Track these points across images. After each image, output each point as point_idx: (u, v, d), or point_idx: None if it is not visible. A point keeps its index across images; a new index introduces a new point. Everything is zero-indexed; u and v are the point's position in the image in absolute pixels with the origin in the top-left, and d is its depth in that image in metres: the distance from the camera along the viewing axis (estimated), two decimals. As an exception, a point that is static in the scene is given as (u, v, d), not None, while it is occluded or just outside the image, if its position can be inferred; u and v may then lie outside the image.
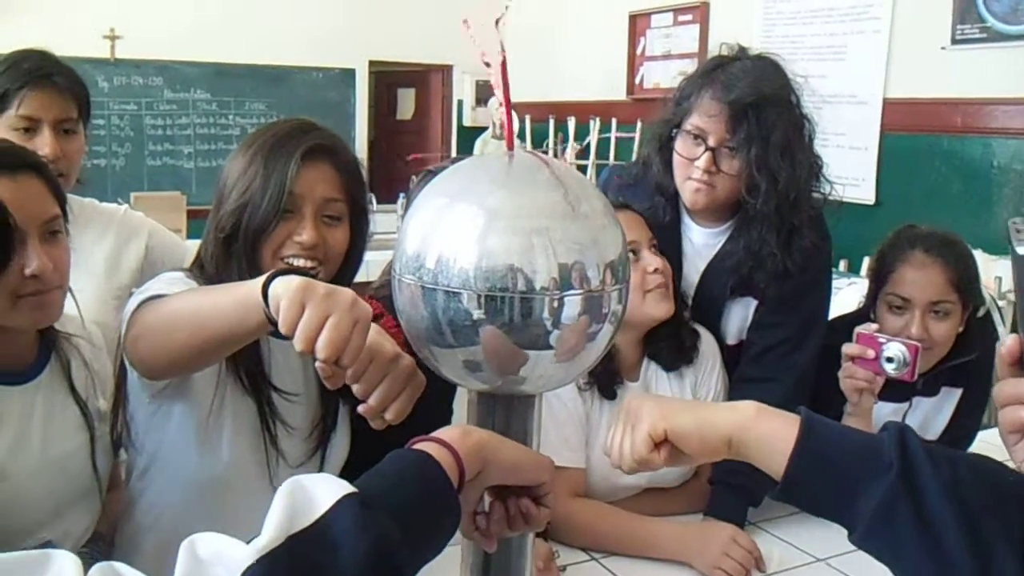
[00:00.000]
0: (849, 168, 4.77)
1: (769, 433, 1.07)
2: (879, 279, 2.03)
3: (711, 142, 1.92)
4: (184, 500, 1.58)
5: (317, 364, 1.05)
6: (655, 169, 2.06)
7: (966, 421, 2.12)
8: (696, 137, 1.94)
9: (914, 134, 4.64)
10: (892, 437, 1.01)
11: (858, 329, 1.90)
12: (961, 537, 0.95)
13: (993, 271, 4.03)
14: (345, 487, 0.81)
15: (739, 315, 2.09)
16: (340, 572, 0.76)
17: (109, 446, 1.62)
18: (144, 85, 6.43)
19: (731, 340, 2.11)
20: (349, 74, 6.95)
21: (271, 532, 0.76)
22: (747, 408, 1.11)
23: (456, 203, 0.97)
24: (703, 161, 1.92)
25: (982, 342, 2.04)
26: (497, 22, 1.02)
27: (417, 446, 0.93)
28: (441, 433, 0.95)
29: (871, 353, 1.86)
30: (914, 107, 4.61)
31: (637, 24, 5.95)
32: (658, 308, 1.89)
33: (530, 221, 0.94)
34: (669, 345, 1.98)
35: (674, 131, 1.99)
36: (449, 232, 0.95)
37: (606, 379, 1.92)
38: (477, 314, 0.93)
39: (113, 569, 0.77)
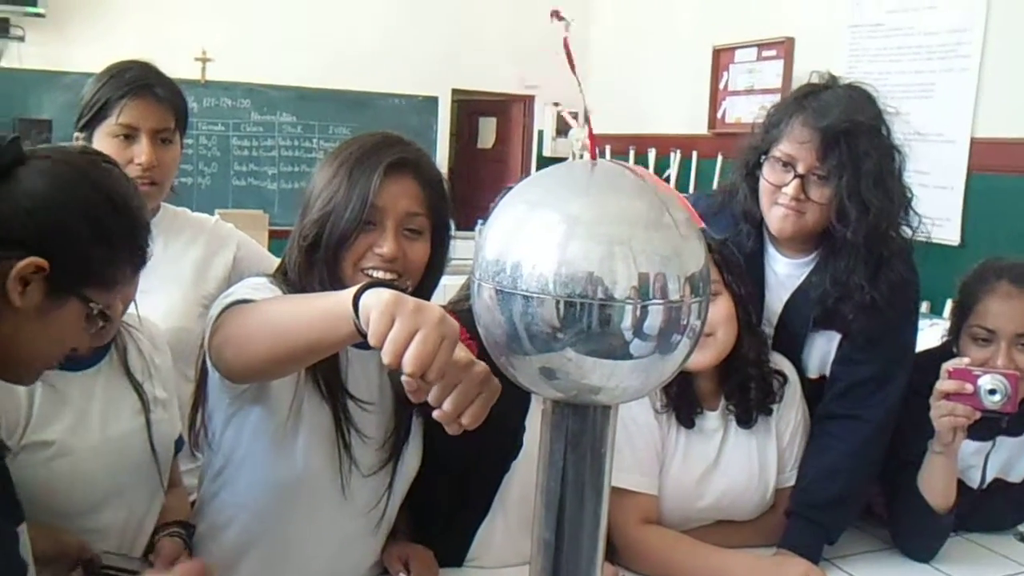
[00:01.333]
0: (934, 208, 4.63)
1: None
2: (963, 312, 1.99)
3: (800, 169, 1.89)
4: (257, 502, 1.60)
5: (403, 378, 1.05)
6: (741, 196, 2.04)
7: (1051, 463, 2.06)
8: (785, 164, 1.92)
9: (1002, 175, 4.55)
10: None
11: (948, 365, 1.85)
12: None
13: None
14: None
15: (821, 348, 2.04)
16: None
17: (169, 434, 1.66)
18: (232, 107, 6.57)
19: (812, 374, 2.06)
20: (432, 102, 7.02)
21: None
22: None
23: (537, 209, 0.97)
24: (792, 188, 1.90)
25: (1070, 381, 1.97)
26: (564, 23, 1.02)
27: None
28: None
29: (969, 388, 1.81)
30: (1003, 147, 4.52)
31: (721, 58, 5.93)
32: (693, 360, 1.83)
33: (611, 229, 0.94)
34: (743, 394, 1.93)
35: (762, 157, 1.97)
36: (529, 238, 0.95)
37: (684, 406, 1.89)
38: (555, 320, 0.92)
39: None
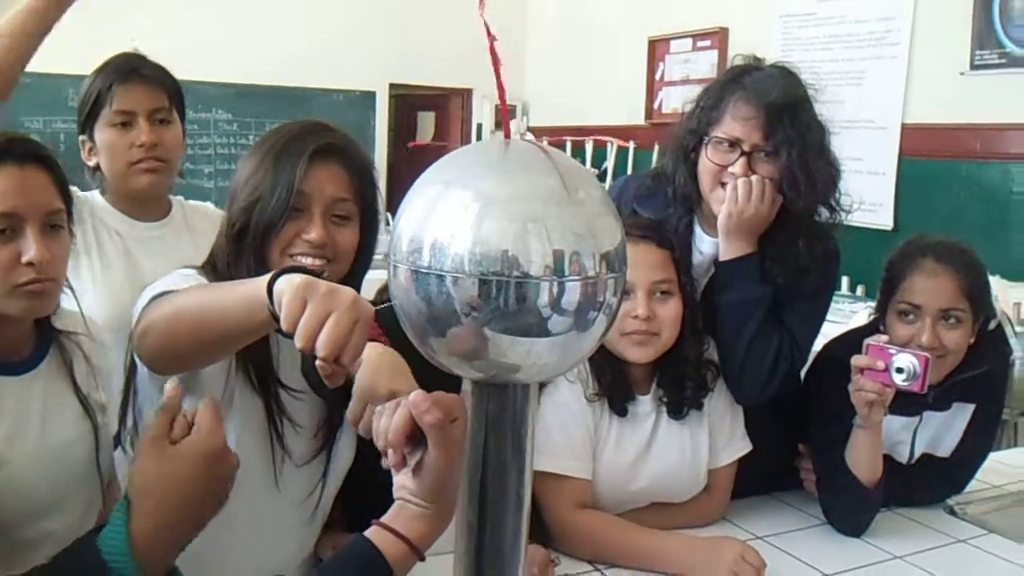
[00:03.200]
0: (867, 193, 4.73)
1: None
2: (889, 289, 2.02)
3: (746, 147, 1.91)
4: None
5: (317, 362, 1.05)
6: (679, 179, 2.04)
7: (978, 438, 2.09)
8: (731, 144, 1.93)
9: (933, 159, 4.63)
10: None
11: (868, 340, 1.88)
12: None
13: (1011, 297, 4.01)
14: None
15: None
16: None
17: (111, 440, 1.63)
18: (166, 105, 6.49)
19: None
20: (370, 96, 7.00)
21: None
22: None
23: (451, 189, 0.97)
24: (738, 166, 1.92)
25: (994, 356, 2.02)
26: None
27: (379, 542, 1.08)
28: (401, 523, 1.11)
29: (881, 364, 1.84)
30: (933, 132, 4.60)
31: (656, 49, 5.97)
32: (631, 352, 1.86)
33: (525, 207, 0.94)
34: (677, 389, 1.94)
35: (703, 139, 1.98)
36: (444, 218, 0.94)
37: (617, 393, 1.90)
38: (471, 299, 0.92)
39: None
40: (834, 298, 4.02)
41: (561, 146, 6.17)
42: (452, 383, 1.07)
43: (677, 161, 2.06)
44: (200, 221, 2.29)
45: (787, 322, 2.00)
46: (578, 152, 6.13)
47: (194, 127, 6.57)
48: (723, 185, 1.96)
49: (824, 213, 2.00)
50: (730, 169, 1.93)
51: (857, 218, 4.74)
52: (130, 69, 2.14)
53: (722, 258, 1.99)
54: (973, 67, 4.44)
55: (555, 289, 0.92)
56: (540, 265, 0.92)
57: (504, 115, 1.01)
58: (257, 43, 6.45)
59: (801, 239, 1.96)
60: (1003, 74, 4.36)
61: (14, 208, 1.41)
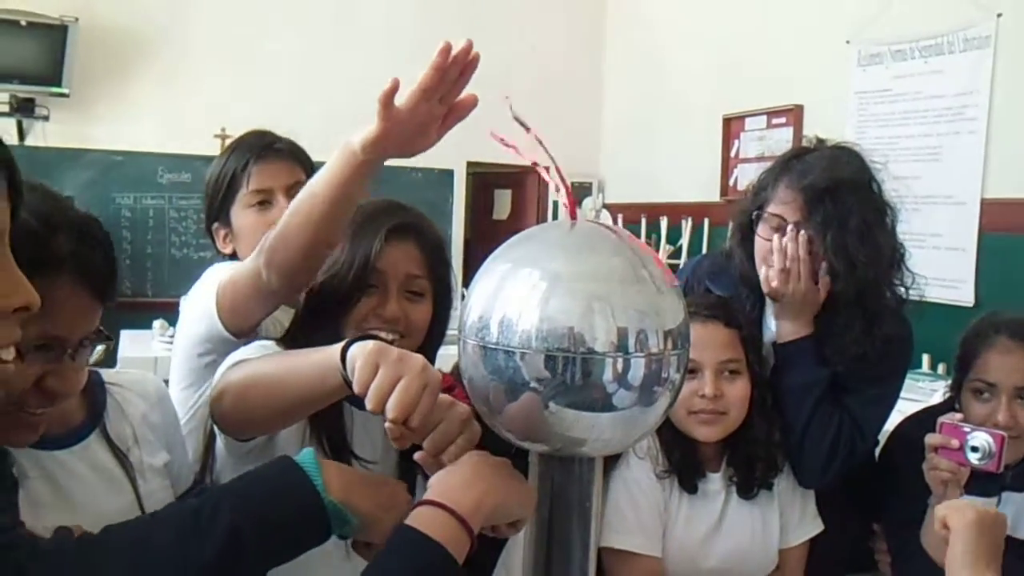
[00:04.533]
0: (946, 270, 4.69)
1: None
2: (963, 367, 1.99)
3: (790, 226, 1.92)
4: None
5: (386, 424, 1.09)
6: (738, 260, 2.07)
7: (1060, 519, 2.04)
8: (776, 227, 1.95)
9: (1014, 235, 4.56)
10: None
11: (941, 419, 1.86)
12: None
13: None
14: None
15: None
16: None
17: (169, 501, 1.53)
18: (251, 184, 6.67)
19: None
20: (447, 174, 7.11)
21: None
22: None
23: (519, 268, 1.00)
24: (779, 239, 1.92)
25: (1076, 435, 1.97)
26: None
27: (429, 520, 1.04)
28: (457, 501, 1.05)
29: (955, 443, 1.82)
30: (1013, 207, 4.53)
31: (731, 127, 5.99)
32: (699, 431, 1.86)
33: (590, 285, 0.97)
34: (748, 469, 1.93)
35: (754, 218, 2.01)
36: (512, 295, 0.98)
37: (687, 471, 1.90)
38: (538, 374, 0.95)
39: None
40: (914, 376, 3.98)
41: (636, 223, 6.20)
42: (519, 455, 1.10)
43: (736, 242, 2.09)
44: None
45: (850, 406, 1.98)
46: (653, 229, 6.15)
47: (280, 204, 6.74)
48: (768, 266, 1.96)
49: (887, 295, 1.98)
50: (773, 244, 1.94)
51: (937, 294, 4.69)
52: (264, 146, 2.08)
53: (778, 340, 2.00)
54: (1053, 141, 4.39)
55: (620, 365, 0.95)
56: (605, 342, 0.95)
57: (569, 197, 1.05)
58: (338, 122, 6.59)
59: (858, 323, 1.94)
60: (1084, 148, 4.31)
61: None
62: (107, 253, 1.26)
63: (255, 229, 2.01)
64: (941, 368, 4.40)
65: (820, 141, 2.04)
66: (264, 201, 2.05)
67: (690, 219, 5.91)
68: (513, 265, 1.01)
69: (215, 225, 2.10)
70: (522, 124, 1.07)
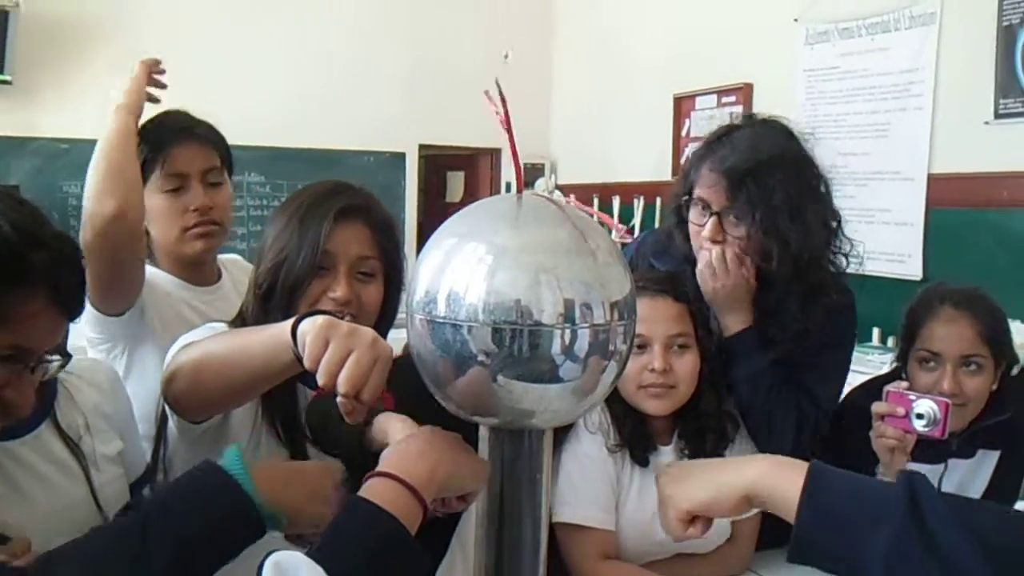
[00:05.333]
0: (895, 244, 4.76)
1: (780, 486, 1.11)
2: (909, 337, 2.02)
3: (715, 208, 1.94)
4: None
5: (338, 399, 1.09)
6: (677, 241, 2.08)
7: (1005, 485, 2.08)
8: (703, 206, 1.96)
9: (960, 209, 4.62)
10: (901, 481, 1.02)
11: (887, 387, 1.89)
12: (981, 562, 0.94)
13: (1043, 345, 3.98)
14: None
15: None
16: None
17: (122, 491, 1.56)
18: (200, 168, 6.62)
19: None
20: (399, 158, 7.08)
21: None
22: (759, 464, 1.16)
23: (466, 241, 1.00)
24: (708, 229, 1.94)
25: (1018, 402, 2.01)
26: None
27: (381, 491, 1.03)
28: (409, 472, 1.04)
29: (901, 411, 1.85)
30: (959, 182, 4.60)
31: (682, 106, 6.02)
32: (648, 405, 1.87)
33: (537, 258, 0.97)
34: (698, 441, 1.94)
35: (683, 202, 2.02)
36: (458, 269, 0.98)
37: (638, 444, 1.91)
38: (485, 347, 0.95)
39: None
40: (864, 350, 4.03)
41: (588, 203, 6.22)
42: (469, 430, 1.11)
43: (673, 224, 2.10)
44: (241, 274, 2.25)
45: (806, 383, 2.01)
46: (605, 208, 6.18)
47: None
48: (703, 249, 1.98)
49: (825, 266, 1.99)
50: (702, 232, 1.96)
51: (886, 269, 4.76)
52: (181, 128, 2.05)
53: (724, 335, 2.01)
54: (997, 116, 4.45)
55: (566, 336, 0.96)
56: (552, 314, 0.95)
57: (517, 170, 1.05)
58: (289, 107, 6.56)
59: (797, 299, 1.95)
60: (1028, 122, 4.38)
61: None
62: (80, 271, 1.26)
63: (168, 213, 2.02)
64: (891, 341, 4.46)
65: (748, 118, 2.06)
66: (179, 188, 2.02)
67: (642, 198, 5.94)
68: (459, 239, 1.01)
69: None
70: (500, 95, 1.06)
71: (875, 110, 4.98)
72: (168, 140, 2.02)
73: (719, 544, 1.98)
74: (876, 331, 4.41)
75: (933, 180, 4.71)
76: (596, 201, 6.19)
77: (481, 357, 0.96)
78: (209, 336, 1.44)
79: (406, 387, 1.13)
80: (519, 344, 0.95)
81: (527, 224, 1.01)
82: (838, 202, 2.03)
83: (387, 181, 6.86)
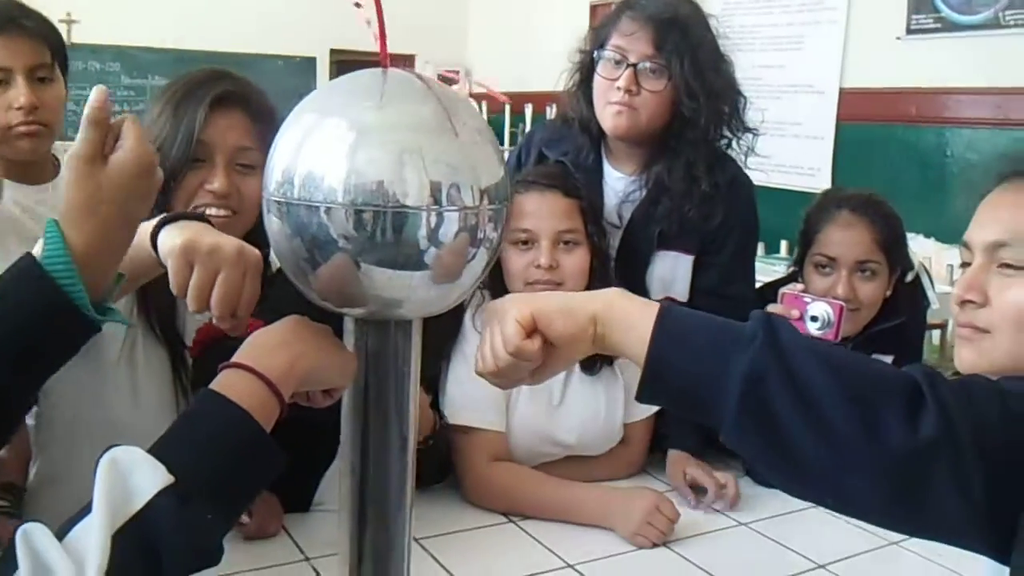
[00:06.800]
0: (805, 157, 4.78)
1: (632, 311, 1.04)
2: (806, 241, 2.01)
3: (632, 59, 1.92)
4: (89, 450, 1.54)
5: (214, 320, 1.04)
6: (578, 104, 2.06)
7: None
8: (617, 61, 1.93)
9: (870, 124, 4.66)
10: (758, 315, 0.99)
11: (783, 289, 1.89)
12: (843, 404, 0.92)
13: (945, 259, 4.05)
14: (161, 475, 0.82)
15: (665, 268, 2.06)
16: (161, 567, 0.79)
17: None
18: (101, 71, 6.38)
19: (656, 296, 2.05)
20: (310, 62, 6.92)
21: (97, 532, 0.77)
22: (611, 291, 1.09)
23: (326, 118, 0.94)
24: (624, 80, 1.92)
25: (911, 307, 2.02)
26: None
27: (233, 384, 0.93)
28: (265, 364, 0.96)
29: (796, 313, 1.84)
30: (870, 97, 4.62)
31: (597, 14, 5.94)
32: None
33: (401, 136, 0.91)
34: None
35: (596, 55, 1.99)
36: (317, 148, 0.92)
37: None
38: (346, 230, 0.90)
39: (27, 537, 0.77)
40: (770, 260, 4.05)
41: (500, 110, 6.14)
42: (334, 323, 1.05)
43: (575, 86, 2.07)
44: None
45: (733, 294, 2.01)
46: (518, 117, 6.10)
47: (130, 93, 6.47)
48: (610, 103, 1.95)
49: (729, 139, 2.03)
50: (616, 84, 1.93)
51: (795, 182, 4.79)
52: (7, 19, 1.89)
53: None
54: (909, 31, 4.46)
55: (432, 220, 0.90)
56: (417, 196, 0.89)
57: (382, 41, 0.98)
58: (196, 8, 6.35)
59: (701, 163, 1.95)
60: (938, 38, 4.39)
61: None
62: None
63: None
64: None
65: None
66: (2, 80, 1.91)
67: (555, 106, 5.87)
68: (319, 116, 0.94)
69: None
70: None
71: (790, 22, 4.97)
72: None
73: (612, 447, 1.97)
74: (784, 243, 4.44)
75: (844, 94, 4.73)
76: (507, 109, 6.12)
77: (341, 242, 0.90)
78: None
79: (282, 299, 1.07)
80: (382, 227, 0.89)
81: (392, 101, 0.95)
82: (752, 115, 2.05)
83: (297, 85, 6.68)
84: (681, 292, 2.06)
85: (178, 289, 1.04)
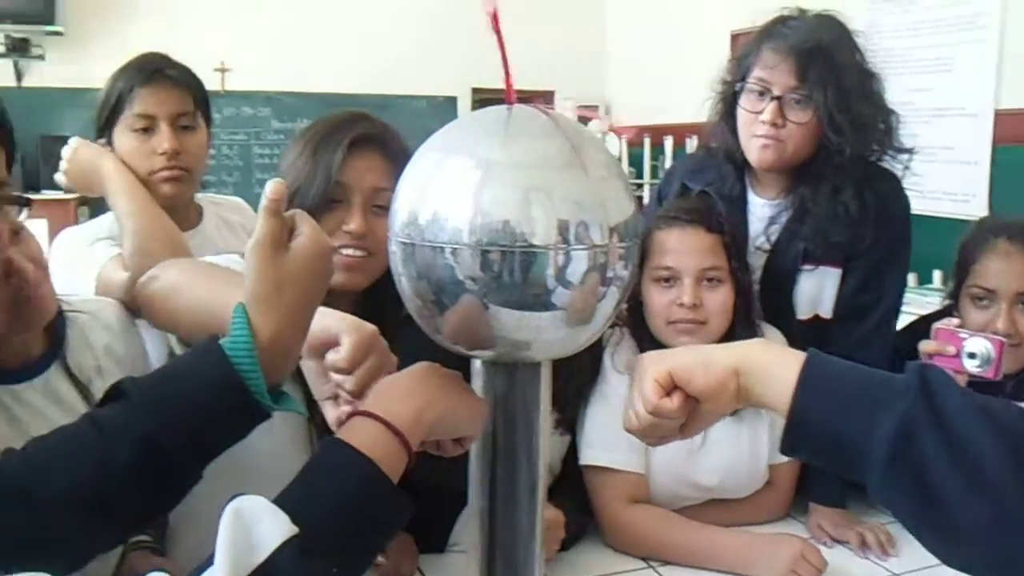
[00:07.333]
0: (959, 183, 4.59)
1: (774, 361, 1.00)
2: (962, 272, 1.90)
3: (776, 91, 1.86)
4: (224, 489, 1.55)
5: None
6: (722, 135, 2.02)
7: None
8: (761, 93, 1.88)
9: (1028, 146, 4.44)
10: (912, 369, 0.93)
11: (937, 324, 1.78)
12: (1006, 461, 0.85)
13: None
14: (284, 527, 0.80)
15: (812, 286, 1.98)
16: None
17: None
18: (252, 115, 6.59)
19: (803, 315, 1.99)
20: (451, 101, 7.00)
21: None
22: (752, 342, 1.07)
23: (450, 156, 0.92)
24: (768, 113, 1.86)
25: (1078, 342, 1.89)
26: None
27: (360, 433, 0.92)
28: (393, 412, 0.94)
29: (951, 350, 1.74)
30: (1027, 118, 4.41)
31: (739, 42, 5.85)
32: (678, 342, 1.76)
33: (527, 174, 0.89)
34: None
35: (737, 88, 1.94)
36: (442, 186, 0.90)
37: None
38: (472, 272, 0.88)
39: None
40: (923, 291, 3.89)
41: (640, 145, 6.09)
42: (463, 369, 1.03)
43: (718, 117, 2.03)
44: (234, 215, 2.23)
45: (868, 304, 1.95)
46: (657, 149, 6.05)
47: (280, 137, 6.66)
48: (756, 136, 1.90)
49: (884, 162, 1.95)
50: (761, 117, 1.88)
51: (948, 209, 4.60)
52: (153, 70, 1.97)
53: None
54: (1069, 48, 4.25)
55: (560, 259, 0.88)
56: (544, 235, 0.87)
57: (507, 75, 0.97)
58: (341, 53, 6.51)
59: (848, 188, 1.89)
60: (1102, 54, 4.17)
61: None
62: None
63: (136, 153, 1.96)
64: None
65: (800, 10, 1.98)
66: (148, 128, 1.96)
67: (695, 137, 5.80)
68: (444, 154, 0.93)
69: (101, 141, 2.01)
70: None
71: (939, 44, 4.79)
72: (138, 81, 1.97)
73: (756, 489, 1.90)
74: (938, 274, 4.25)
75: (1000, 116, 4.52)
76: (648, 142, 6.07)
77: (468, 284, 0.88)
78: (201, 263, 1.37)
79: (411, 344, 1.06)
80: (509, 268, 0.87)
81: (517, 138, 0.93)
82: (901, 140, 1.98)
83: (439, 126, 6.76)
84: (828, 309, 1.99)
85: (351, 364, 1.04)
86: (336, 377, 1.04)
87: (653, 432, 1.08)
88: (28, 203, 1.22)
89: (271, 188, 0.95)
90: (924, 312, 2.12)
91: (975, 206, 4.53)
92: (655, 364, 1.06)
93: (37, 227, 1.77)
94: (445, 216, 0.88)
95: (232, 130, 6.51)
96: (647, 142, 6.07)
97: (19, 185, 1.32)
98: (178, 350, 1.52)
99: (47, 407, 1.37)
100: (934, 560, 1.69)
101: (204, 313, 1.28)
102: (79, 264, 1.86)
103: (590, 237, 0.89)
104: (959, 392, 0.91)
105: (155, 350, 1.66)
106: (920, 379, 0.91)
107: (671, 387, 1.04)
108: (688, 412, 1.05)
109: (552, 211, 0.87)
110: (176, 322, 1.37)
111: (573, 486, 1.80)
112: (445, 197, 0.89)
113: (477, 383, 1.00)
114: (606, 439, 1.78)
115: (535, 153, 0.91)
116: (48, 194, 5.69)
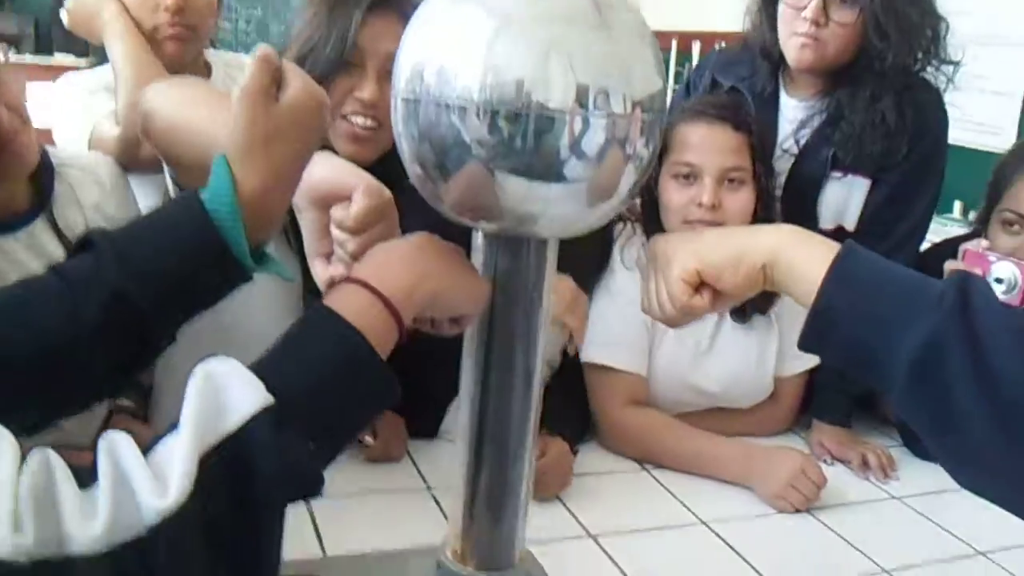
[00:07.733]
0: (988, 115, 4.46)
1: (807, 257, 0.94)
2: (994, 196, 1.82)
3: None
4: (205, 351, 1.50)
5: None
6: (761, 28, 1.93)
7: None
8: None
9: (1066, 80, 4.30)
10: (953, 278, 0.86)
11: (964, 245, 1.71)
12: None
13: None
14: (259, 395, 0.72)
15: (838, 193, 1.91)
16: (252, 495, 0.70)
17: None
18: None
19: (827, 224, 1.93)
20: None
21: (184, 451, 0.68)
22: (785, 230, 0.99)
23: (459, 5, 0.83)
24: (811, 10, 1.78)
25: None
26: None
27: (348, 301, 0.83)
28: (387, 282, 0.85)
29: (978, 272, 1.66)
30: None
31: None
32: None
33: (547, 29, 0.80)
34: None
35: None
36: (451, 39, 0.82)
37: None
38: (479, 135, 0.80)
39: (47, 460, 0.67)
40: (943, 221, 3.80)
41: (667, 50, 5.94)
42: (463, 238, 0.95)
43: (757, 8, 1.95)
44: (237, 71, 2.09)
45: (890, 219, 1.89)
46: (685, 56, 5.90)
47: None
48: (796, 35, 1.82)
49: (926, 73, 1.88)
50: (803, 14, 1.80)
51: (975, 140, 4.49)
52: None
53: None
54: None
55: (576, 127, 0.80)
56: (561, 99, 0.79)
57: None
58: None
59: (888, 96, 1.81)
60: None
61: None
62: None
63: (141, 6, 1.84)
64: (972, 216, 4.22)
65: None
66: None
67: (723, 43, 5.66)
68: (452, 2, 0.84)
69: None
70: None
71: (986, -35, 4.61)
72: None
73: (759, 401, 1.85)
74: (958, 204, 4.16)
75: (1039, 46, 4.38)
76: (674, 46, 5.93)
77: (475, 148, 0.81)
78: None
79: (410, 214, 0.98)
80: (520, 133, 0.79)
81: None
82: (948, 52, 1.91)
83: None
84: (852, 222, 1.93)
85: (359, 225, 0.94)
86: (338, 235, 0.95)
87: (679, 322, 1.06)
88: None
89: (264, 45, 0.87)
90: (939, 240, 2.06)
91: (1003, 139, 4.40)
92: (680, 257, 1.02)
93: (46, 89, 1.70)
94: (453, 72, 0.80)
95: (250, 5, 6.40)
96: (674, 45, 5.91)
97: (31, 45, 1.22)
98: None
99: (30, 260, 1.33)
100: (934, 486, 1.66)
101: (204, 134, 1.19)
102: (78, 116, 1.79)
103: (610, 106, 0.81)
104: (1000, 310, 0.84)
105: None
106: (959, 291, 0.84)
107: (699, 284, 1.01)
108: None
109: (571, 73, 0.79)
110: (175, 143, 1.26)
111: (571, 382, 1.74)
112: (453, 51, 0.81)
113: (477, 259, 0.93)
114: (608, 337, 1.73)
115: (558, 7, 0.82)
116: (60, 58, 5.57)
